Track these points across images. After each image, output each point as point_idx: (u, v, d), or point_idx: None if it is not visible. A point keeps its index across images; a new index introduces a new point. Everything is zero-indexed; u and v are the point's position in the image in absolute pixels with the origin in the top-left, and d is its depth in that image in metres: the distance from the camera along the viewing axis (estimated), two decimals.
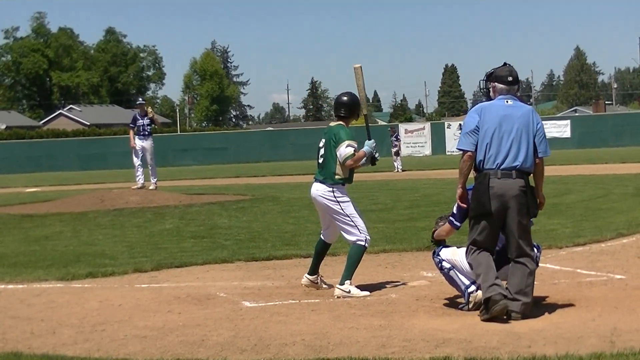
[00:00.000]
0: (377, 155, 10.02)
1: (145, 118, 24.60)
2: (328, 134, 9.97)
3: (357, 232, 9.85)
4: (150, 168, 24.93)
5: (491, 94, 8.68)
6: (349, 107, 10.08)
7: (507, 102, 8.50)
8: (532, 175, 8.53)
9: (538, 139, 8.45)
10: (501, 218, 8.33)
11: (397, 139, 43.93)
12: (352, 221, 9.85)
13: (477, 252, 8.41)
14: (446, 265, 8.85)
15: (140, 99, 26.34)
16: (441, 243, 9.12)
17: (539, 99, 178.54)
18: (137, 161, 24.83)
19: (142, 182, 24.94)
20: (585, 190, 23.51)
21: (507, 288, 8.29)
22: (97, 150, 70.70)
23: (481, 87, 8.87)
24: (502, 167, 8.31)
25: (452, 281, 8.89)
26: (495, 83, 8.62)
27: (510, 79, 8.58)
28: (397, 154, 43.57)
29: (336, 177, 9.86)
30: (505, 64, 8.75)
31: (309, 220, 17.60)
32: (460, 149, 8.55)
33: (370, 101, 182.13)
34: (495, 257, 8.43)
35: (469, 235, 8.54)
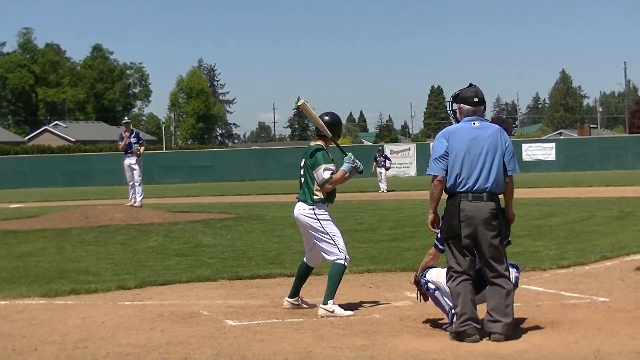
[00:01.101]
0: (359, 165, 10.04)
1: (132, 137, 24.85)
2: (306, 155, 10.03)
3: (337, 251, 9.87)
4: (137, 185, 25.08)
5: (458, 115, 8.71)
6: (330, 127, 10.13)
7: (474, 123, 8.51)
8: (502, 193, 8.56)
9: (507, 157, 8.47)
10: (473, 241, 8.35)
11: (386, 159, 43.82)
12: (332, 239, 9.88)
13: (456, 279, 8.41)
14: (431, 286, 8.87)
15: (126, 118, 26.67)
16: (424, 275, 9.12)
17: (525, 121, 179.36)
18: (130, 179, 25.08)
19: (135, 199, 25.15)
20: (570, 213, 23.58)
21: (487, 312, 8.30)
22: (82, 167, 70.50)
23: (448, 109, 8.90)
24: (473, 190, 8.34)
25: (437, 302, 8.91)
26: (462, 104, 8.64)
27: (476, 99, 8.59)
28: (386, 170, 43.48)
29: (315, 197, 9.91)
30: (470, 84, 8.77)
31: (293, 239, 17.60)
32: (430, 175, 8.57)
33: (356, 121, 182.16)
34: (475, 279, 8.43)
35: (447, 259, 8.56)
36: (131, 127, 25.41)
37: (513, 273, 8.58)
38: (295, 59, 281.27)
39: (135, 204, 25.09)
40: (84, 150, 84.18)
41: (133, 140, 24.94)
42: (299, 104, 10.26)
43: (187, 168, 71.17)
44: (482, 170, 8.34)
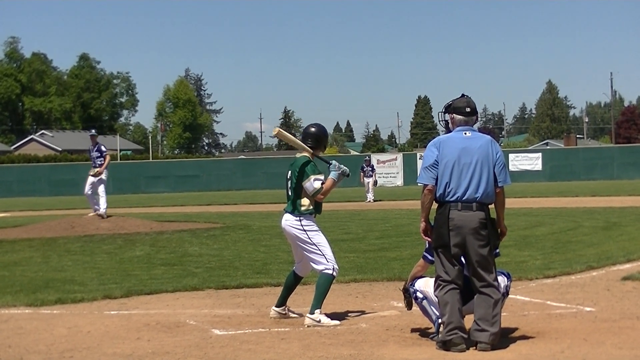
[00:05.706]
0: (345, 169, 10.10)
1: (95, 150, 24.37)
2: (293, 167, 10.07)
3: (325, 261, 9.88)
4: (100, 197, 24.48)
5: (450, 125, 8.74)
6: (316, 138, 10.23)
7: (465, 133, 8.55)
8: (493, 205, 8.58)
9: (498, 168, 8.49)
10: (462, 250, 8.37)
11: (373, 169, 43.91)
12: (320, 250, 9.90)
13: (444, 288, 8.42)
14: (419, 295, 8.88)
15: (92, 130, 25.90)
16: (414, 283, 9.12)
17: (511, 131, 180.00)
18: (88, 190, 24.45)
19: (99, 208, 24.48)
20: (556, 223, 23.63)
21: (475, 321, 8.31)
22: (68, 176, 70.09)
23: (440, 119, 8.92)
24: (462, 199, 8.35)
25: (424, 311, 8.91)
26: (454, 114, 8.67)
27: (468, 109, 8.63)
28: (375, 184, 43.69)
29: (302, 208, 9.95)
30: (463, 95, 8.80)
31: (280, 249, 17.60)
32: (420, 184, 8.59)
33: (343, 131, 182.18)
34: (463, 289, 8.44)
35: (436, 268, 8.56)
36: (96, 140, 24.74)
37: (503, 282, 8.61)
38: (282, 69, 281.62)
39: (99, 213, 24.49)
40: (70, 159, 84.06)
41: (95, 154, 24.41)
42: (274, 133, 10.54)
43: (173, 177, 71.02)
44: (471, 180, 8.36)
